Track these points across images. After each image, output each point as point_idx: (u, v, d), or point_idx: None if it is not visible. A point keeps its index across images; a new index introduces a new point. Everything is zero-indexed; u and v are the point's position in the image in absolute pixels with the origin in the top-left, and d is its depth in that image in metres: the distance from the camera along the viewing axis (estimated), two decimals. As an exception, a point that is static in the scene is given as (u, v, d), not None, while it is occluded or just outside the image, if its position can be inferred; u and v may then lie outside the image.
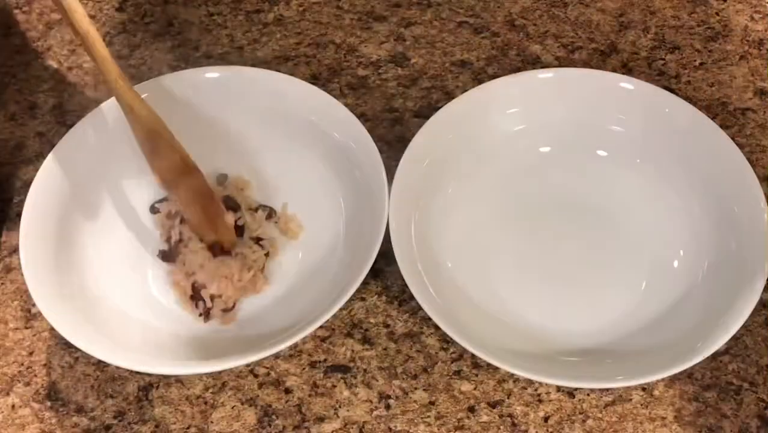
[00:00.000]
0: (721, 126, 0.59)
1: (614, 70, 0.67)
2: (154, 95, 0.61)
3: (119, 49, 0.71)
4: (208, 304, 0.57)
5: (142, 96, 0.61)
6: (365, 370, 0.56)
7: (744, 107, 0.66)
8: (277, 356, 0.56)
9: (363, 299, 0.58)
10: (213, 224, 0.58)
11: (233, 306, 0.57)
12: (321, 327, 0.54)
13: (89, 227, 0.59)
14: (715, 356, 0.53)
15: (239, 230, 0.59)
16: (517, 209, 0.61)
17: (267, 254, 0.59)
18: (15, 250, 0.56)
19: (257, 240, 0.60)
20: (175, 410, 0.55)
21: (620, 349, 0.55)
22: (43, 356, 0.57)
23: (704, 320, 0.53)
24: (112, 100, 0.61)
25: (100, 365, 0.56)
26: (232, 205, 0.60)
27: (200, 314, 0.57)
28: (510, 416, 0.54)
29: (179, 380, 0.56)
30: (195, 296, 0.57)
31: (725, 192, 0.57)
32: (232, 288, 0.57)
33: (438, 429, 0.54)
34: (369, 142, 0.58)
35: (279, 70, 0.63)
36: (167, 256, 0.59)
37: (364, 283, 0.54)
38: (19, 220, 0.56)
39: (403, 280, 0.53)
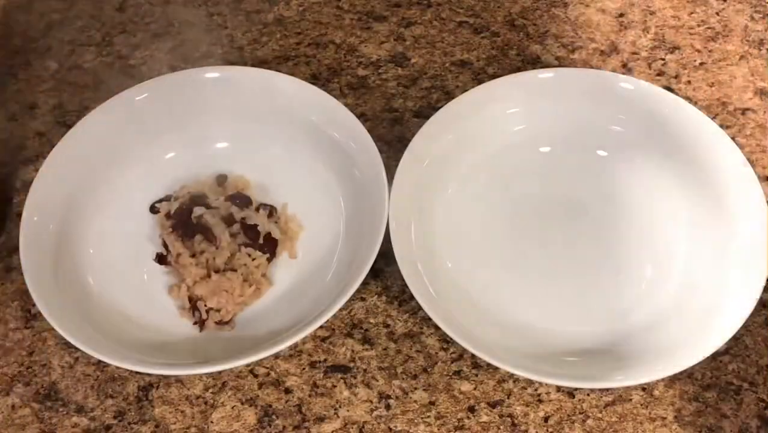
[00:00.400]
0: (721, 126, 0.59)
1: (614, 70, 0.67)
2: (154, 95, 0.61)
3: (119, 49, 0.71)
4: (203, 315, 0.56)
5: (143, 96, 0.61)
6: (365, 370, 0.56)
7: (744, 107, 0.66)
8: (277, 356, 0.56)
9: (363, 299, 0.58)
10: None
11: (231, 319, 0.57)
12: (321, 327, 0.54)
13: (89, 226, 0.59)
14: (715, 356, 0.53)
15: (251, 231, 0.59)
16: (517, 209, 0.61)
17: (269, 259, 0.59)
18: (15, 250, 0.56)
19: (266, 239, 0.59)
20: (175, 410, 0.55)
21: (620, 349, 0.55)
22: (43, 356, 0.57)
23: (704, 320, 0.54)
24: (113, 99, 0.61)
25: (100, 365, 0.56)
26: (245, 201, 0.60)
27: (195, 323, 0.57)
28: (510, 416, 0.54)
29: (179, 380, 0.56)
30: (192, 306, 0.57)
31: (725, 192, 0.57)
32: (232, 303, 0.57)
33: (438, 429, 0.54)
34: (369, 142, 0.58)
35: (279, 70, 0.63)
36: (163, 259, 0.59)
37: (364, 283, 0.54)
38: (19, 220, 0.56)
39: (403, 280, 0.53)
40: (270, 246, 0.59)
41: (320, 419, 0.54)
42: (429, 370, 0.56)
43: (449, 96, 0.66)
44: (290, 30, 0.72)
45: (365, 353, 0.56)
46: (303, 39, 0.71)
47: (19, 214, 0.56)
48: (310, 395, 0.55)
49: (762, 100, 0.67)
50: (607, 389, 0.54)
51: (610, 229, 0.60)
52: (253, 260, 0.58)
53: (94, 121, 0.60)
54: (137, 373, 0.55)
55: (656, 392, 0.54)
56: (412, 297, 0.53)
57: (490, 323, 0.56)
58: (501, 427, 0.54)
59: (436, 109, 0.60)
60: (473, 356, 0.55)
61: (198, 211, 0.59)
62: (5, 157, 0.65)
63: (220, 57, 0.70)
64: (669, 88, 0.65)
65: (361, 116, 0.59)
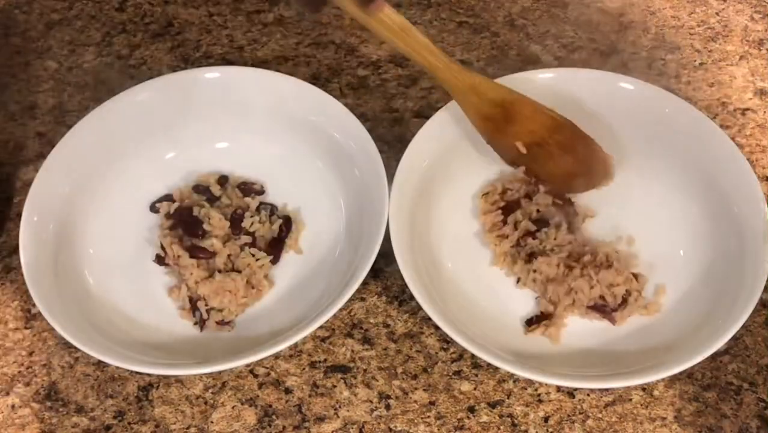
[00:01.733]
0: (721, 126, 0.59)
1: (614, 70, 0.66)
2: (154, 95, 0.61)
3: (119, 49, 0.71)
4: (204, 315, 0.56)
5: (142, 96, 0.61)
6: (365, 370, 0.56)
7: (744, 107, 0.66)
8: (277, 356, 0.56)
9: (363, 299, 0.58)
10: (587, 168, 0.59)
11: (231, 319, 0.57)
12: (321, 327, 0.54)
13: (89, 226, 0.59)
14: (715, 356, 0.53)
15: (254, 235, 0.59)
16: (517, 209, 0.61)
17: (273, 261, 0.59)
18: (15, 250, 0.56)
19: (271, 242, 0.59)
20: (175, 410, 0.55)
21: (620, 349, 0.55)
22: (43, 356, 0.57)
23: (704, 320, 0.54)
24: (113, 99, 0.61)
25: (100, 365, 0.56)
26: (257, 190, 0.61)
27: (195, 323, 0.57)
28: (510, 416, 0.54)
29: (179, 380, 0.56)
30: (192, 306, 0.57)
31: (725, 192, 0.57)
32: (235, 303, 0.57)
33: (438, 429, 0.54)
34: (369, 142, 0.58)
35: (279, 70, 0.63)
36: (162, 260, 0.59)
37: (364, 283, 0.54)
38: (19, 220, 0.56)
39: (403, 280, 0.53)
40: (275, 249, 0.59)
41: (320, 419, 0.54)
42: (429, 370, 0.56)
43: (449, 96, 0.66)
44: (290, 30, 0.72)
45: (365, 353, 0.56)
46: (303, 39, 0.71)
47: (19, 215, 0.56)
48: (310, 395, 0.55)
49: (762, 100, 0.67)
50: (607, 389, 0.54)
51: (609, 229, 0.60)
52: (257, 260, 0.58)
53: (94, 121, 0.60)
54: (137, 373, 0.55)
55: (656, 392, 0.54)
56: (412, 297, 0.53)
57: (490, 323, 0.56)
58: (501, 427, 0.54)
59: (436, 109, 0.60)
60: (473, 356, 0.55)
61: (198, 208, 0.59)
62: (5, 157, 0.65)
63: (220, 57, 0.70)
64: (669, 88, 0.65)
65: (361, 116, 0.59)
